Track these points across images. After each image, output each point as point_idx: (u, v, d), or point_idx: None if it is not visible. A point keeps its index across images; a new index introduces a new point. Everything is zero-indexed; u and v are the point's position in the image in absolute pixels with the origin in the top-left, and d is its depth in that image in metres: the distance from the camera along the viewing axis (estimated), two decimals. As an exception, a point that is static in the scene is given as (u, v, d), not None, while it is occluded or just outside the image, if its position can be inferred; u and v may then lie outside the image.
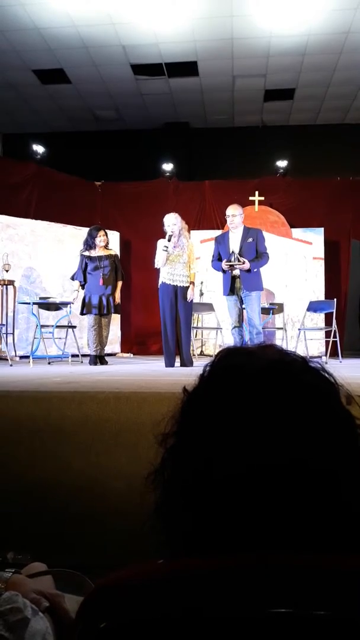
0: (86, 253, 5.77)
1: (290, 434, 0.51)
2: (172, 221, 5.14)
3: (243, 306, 5.08)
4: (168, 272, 5.15)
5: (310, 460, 0.50)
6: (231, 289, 5.07)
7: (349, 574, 0.47)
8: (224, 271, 5.04)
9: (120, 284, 5.88)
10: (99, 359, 5.75)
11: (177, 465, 0.55)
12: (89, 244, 5.78)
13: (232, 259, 4.94)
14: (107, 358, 6.00)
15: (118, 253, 6.29)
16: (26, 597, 0.71)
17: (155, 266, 5.22)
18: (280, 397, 0.52)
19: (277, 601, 0.46)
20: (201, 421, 0.54)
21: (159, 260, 5.14)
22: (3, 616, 0.67)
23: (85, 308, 5.72)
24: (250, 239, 5.04)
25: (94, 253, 5.75)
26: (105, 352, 5.97)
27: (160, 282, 5.20)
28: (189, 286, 5.16)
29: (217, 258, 5.13)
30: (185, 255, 5.15)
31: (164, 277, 5.17)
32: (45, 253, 7.34)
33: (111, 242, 6.40)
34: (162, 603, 0.47)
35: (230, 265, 4.94)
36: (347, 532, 0.51)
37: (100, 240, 5.74)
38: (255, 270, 4.98)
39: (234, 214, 5.09)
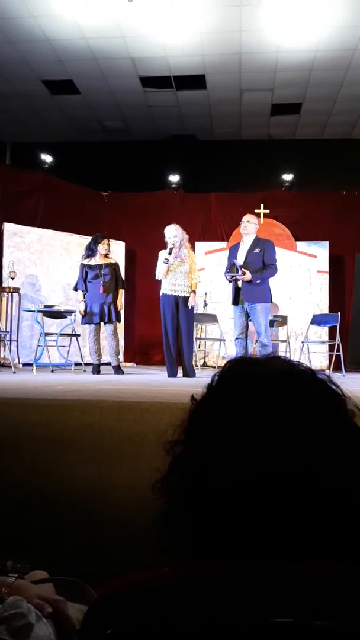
0: (85, 261, 5.72)
1: (299, 444, 0.51)
2: (172, 233, 5.13)
3: (250, 319, 5.01)
4: (169, 283, 5.13)
5: (318, 471, 0.50)
6: (235, 299, 5.04)
7: (351, 585, 0.47)
8: (229, 281, 5.03)
9: (122, 292, 5.84)
10: (115, 368, 5.67)
11: (184, 472, 0.55)
12: (92, 249, 5.71)
13: (234, 270, 4.91)
14: (106, 367, 5.95)
15: (119, 262, 6.25)
16: (30, 603, 0.71)
17: (156, 277, 5.20)
18: (289, 407, 0.53)
19: (279, 610, 0.46)
20: (210, 429, 0.54)
21: (160, 271, 5.13)
22: (7, 621, 0.67)
23: (87, 317, 5.67)
24: (257, 250, 4.98)
25: (93, 261, 5.69)
26: (105, 361, 5.90)
27: (161, 293, 5.18)
28: (190, 295, 5.14)
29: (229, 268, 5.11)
30: (186, 265, 5.13)
31: (165, 288, 5.15)
32: (52, 261, 7.37)
33: (116, 251, 6.39)
34: (168, 610, 0.48)
35: (232, 276, 4.92)
36: (352, 542, 0.51)
37: (102, 248, 5.69)
38: (258, 281, 4.90)
39: (249, 221, 5.07)
